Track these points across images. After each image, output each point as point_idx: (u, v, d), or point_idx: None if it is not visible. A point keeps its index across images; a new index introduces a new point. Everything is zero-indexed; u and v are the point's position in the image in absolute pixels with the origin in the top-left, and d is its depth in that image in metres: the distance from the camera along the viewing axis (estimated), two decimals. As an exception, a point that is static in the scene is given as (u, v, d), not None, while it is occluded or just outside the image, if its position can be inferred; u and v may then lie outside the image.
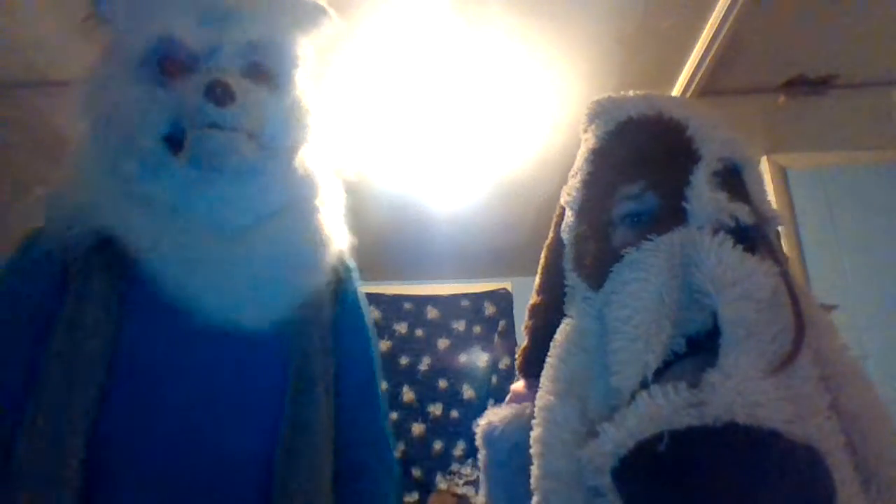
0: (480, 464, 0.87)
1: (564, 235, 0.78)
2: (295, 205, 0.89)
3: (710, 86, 1.96)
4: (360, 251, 1.03)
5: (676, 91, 2.01)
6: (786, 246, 2.30)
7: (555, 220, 0.84)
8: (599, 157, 0.76)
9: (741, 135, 0.72)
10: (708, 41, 1.77)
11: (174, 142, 0.81)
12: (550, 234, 0.85)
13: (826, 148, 2.39)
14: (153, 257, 0.79)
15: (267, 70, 0.88)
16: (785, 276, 0.62)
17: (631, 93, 0.78)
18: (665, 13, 1.71)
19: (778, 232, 0.74)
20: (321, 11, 0.94)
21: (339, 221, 0.97)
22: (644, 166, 0.71)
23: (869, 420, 0.60)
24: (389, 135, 2.25)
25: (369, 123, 2.15)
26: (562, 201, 0.81)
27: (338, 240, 0.95)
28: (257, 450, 0.79)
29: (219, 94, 0.78)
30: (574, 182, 0.79)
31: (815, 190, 2.38)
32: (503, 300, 3.81)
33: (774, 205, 2.41)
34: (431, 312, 3.88)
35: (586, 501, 0.60)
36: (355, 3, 1.63)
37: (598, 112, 0.79)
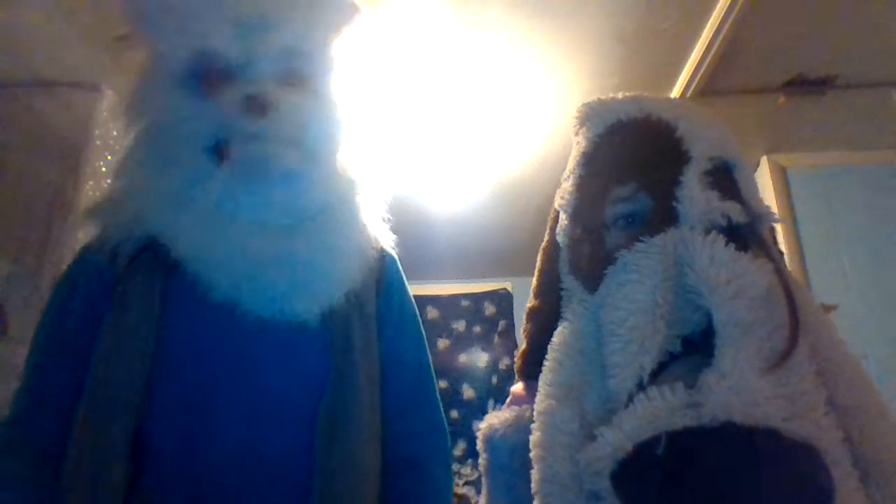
0: (482, 467, 0.87)
1: (559, 238, 0.78)
2: (335, 205, 0.91)
3: (710, 86, 1.96)
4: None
5: (676, 91, 2.01)
6: (786, 246, 2.30)
7: (549, 223, 0.84)
8: (591, 160, 0.76)
9: (732, 133, 0.72)
10: (708, 41, 1.77)
11: (218, 151, 0.83)
12: (546, 238, 0.85)
13: (826, 148, 2.40)
14: (196, 256, 0.81)
15: (303, 75, 0.89)
16: (779, 272, 0.62)
17: (620, 95, 0.78)
18: (665, 13, 1.71)
19: (773, 228, 0.73)
20: (353, 8, 0.95)
21: (379, 219, 0.98)
22: (635, 168, 0.71)
23: (866, 414, 0.60)
24: (390, 136, 2.25)
25: (369, 125, 2.15)
26: (556, 205, 0.81)
27: (378, 235, 0.97)
28: (300, 439, 0.80)
29: (256, 106, 0.80)
30: (567, 185, 0.79)
31: (815, 190, 2.38)
32: (503, 300, 3.81)
33: (774, 205, 2.40)
34: (431, 313, 3.88)
35: None
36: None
37: (588, 115, 0.79)
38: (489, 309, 3.85)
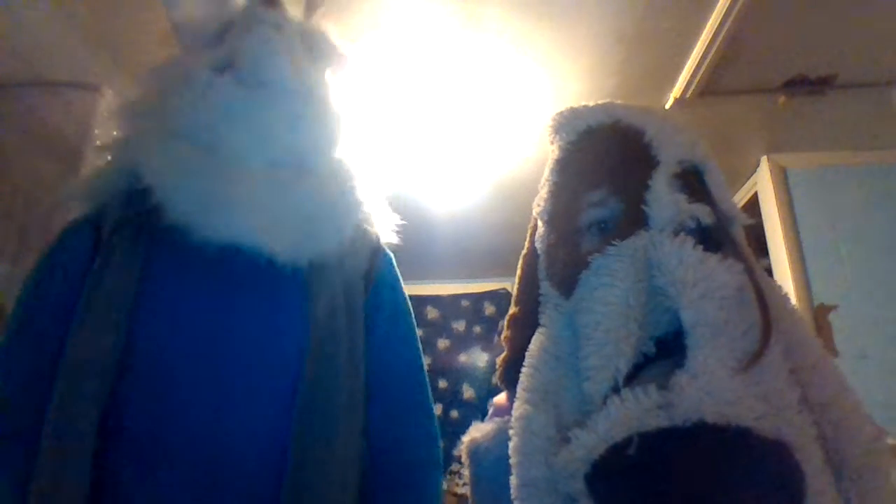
0: (467, 480, 0.87)
1: (538, 245, 0.79)
2: (323, 171, 0.90)
3: (710, 86, 1.96)
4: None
5: (676, 91, 2.01)
6: (785, 246, 2.30)
7: (529, 231, 0.85)
8: (563, 167, 0.78)
9: (699, 137, 0.73)
10: (708, 41, 1.77)
11: (222, 68, 0.88)
12: (526, 245, 0.86)
13: (826, 148, 2.40)
14: (179, 195, 0.79)
15: (313, 55, 0.96)
16: (750, 273, 0.62)
17: (591, 103, 0.80)
18: (665, 13, 1.71)
19: (744, 230, 0.74)
20: (345, 57, 1.03)
21: (382, 218, 0.99)
22: (605, 173, 0.72)
23: (839, 410, 0.60)
24: (389, 135, 2.26)
25: (369, 124, 2.15)
26: (534, 212, 0.82)
27: (377, 227, 0.98)
28: (275, 414, 0.79)
29: None
30: (542, 193, 0.80)
31: (815, 190, 2.38)
32: (503, 300, 3.81)
33: (774, 205, 2.39)
34: (431, 313, 3.88)
35: None
36: (355, 5, 1.63)
37: (561, 123, 0.80)
38: (489, 309, 3.86)
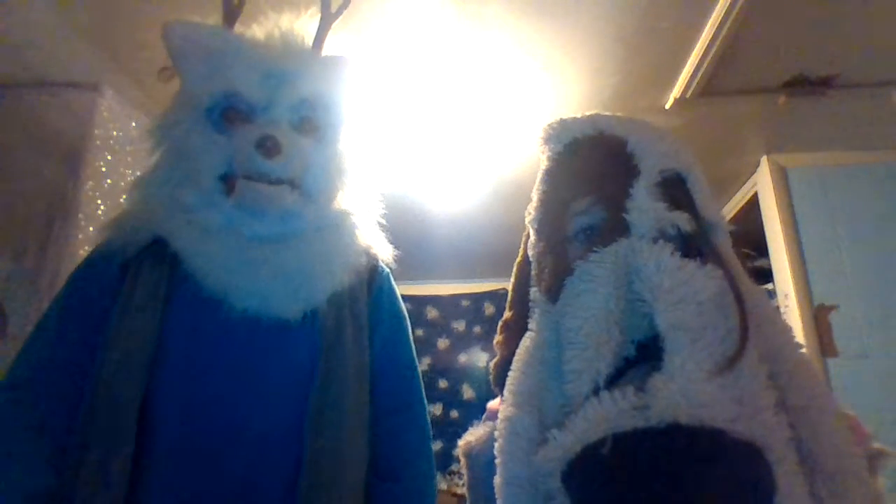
0: (465, 481, 0.91)
1: (530, 253, 0.82)
2: (327, 228, 0.99)
3: (710, 86, 1.96)
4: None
5: (676, 91, 2.01)
6: (786, 246, 2.30)
7: (523, 238, 0.88)
8: (551, 177, 0.80)
9: (683, 145, 0.75)
10: (708, 41, 1.77)
11: (228, 181, 0.93)
12: (520, 252, 0.89)
13: (826, 148, 2.40)
14: (196, 259, 0.89)
15: (315, 123, 0.99)
16: (730, 278, 0.63)
17: (579, 114, 0.82)
18: (665, 13, 1.71)
19: (728, 235, 0.75)
20: (363, 70, 1.06)
21: (375, 238, 1.07)
22: (590, 182, 0.74)
23: (817, 413, 0.61)
24: (389, 136, 2.26)
25: (369, 125, 2.15)
26: (526, 221, 0.84)
27: (373, 247, 1.05)
28: (291, 423, 0.86)
29: (268, 146, 0.89)
30: (533, 202, 0.83)
31: (815, 190, 2.38)
32: (503, 300, 3.79)
33: (774, 205, 2.39)
34: (431, 313, 3.88)
35: None
36: (354, 5, 1.63)
37: (550, 135, 0.83)
38: (489, 309, 3.86)
